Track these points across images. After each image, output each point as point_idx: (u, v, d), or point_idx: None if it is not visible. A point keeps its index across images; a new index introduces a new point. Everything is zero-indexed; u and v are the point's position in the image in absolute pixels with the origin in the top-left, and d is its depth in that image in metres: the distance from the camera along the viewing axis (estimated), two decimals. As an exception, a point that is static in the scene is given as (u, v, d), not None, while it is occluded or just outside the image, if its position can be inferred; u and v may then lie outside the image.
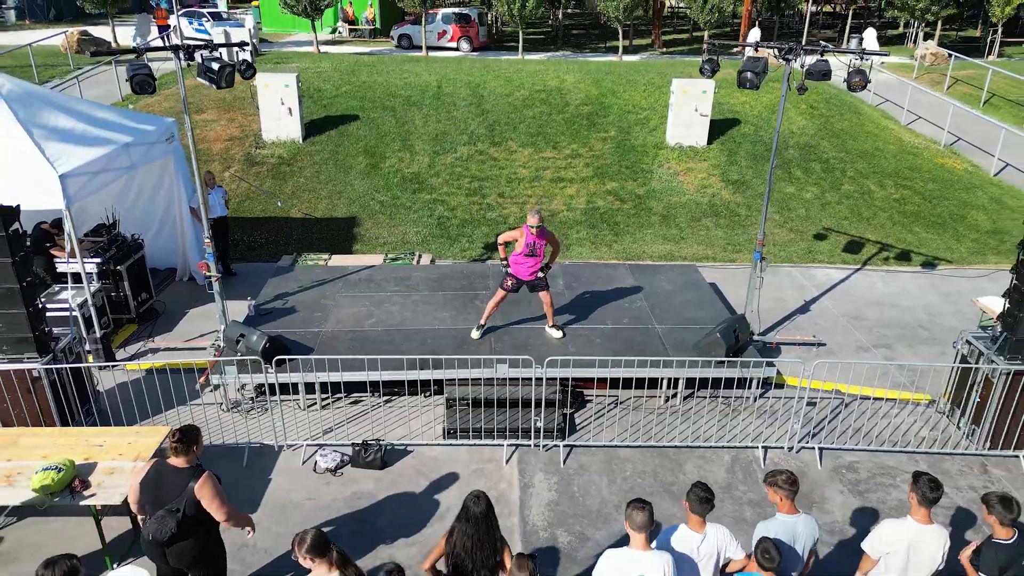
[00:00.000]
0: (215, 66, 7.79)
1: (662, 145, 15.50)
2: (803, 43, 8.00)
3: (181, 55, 7.64)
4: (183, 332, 9.57)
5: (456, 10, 31.16)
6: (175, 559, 4.81)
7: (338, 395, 8.15)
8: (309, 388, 8.02)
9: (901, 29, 34.88)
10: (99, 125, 9.23)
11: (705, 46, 8.54)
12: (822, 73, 7.56)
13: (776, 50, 8.02)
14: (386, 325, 8.66)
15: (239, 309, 9.06)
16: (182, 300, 10.42)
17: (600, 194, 14.08)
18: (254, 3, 41.62)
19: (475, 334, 8.34)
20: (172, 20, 27.76)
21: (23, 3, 34.74)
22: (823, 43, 8.15)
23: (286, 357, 7.59)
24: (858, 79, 7.52)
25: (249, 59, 8.13)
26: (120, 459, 5.97)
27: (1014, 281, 7.06)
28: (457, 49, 30.05)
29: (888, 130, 17.24)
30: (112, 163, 8.80)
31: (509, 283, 8.02)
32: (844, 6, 34.55)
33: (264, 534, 6.20)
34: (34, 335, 6.83)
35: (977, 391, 7.44)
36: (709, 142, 15.44)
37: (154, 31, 28.71)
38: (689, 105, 15.07)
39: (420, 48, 28.08)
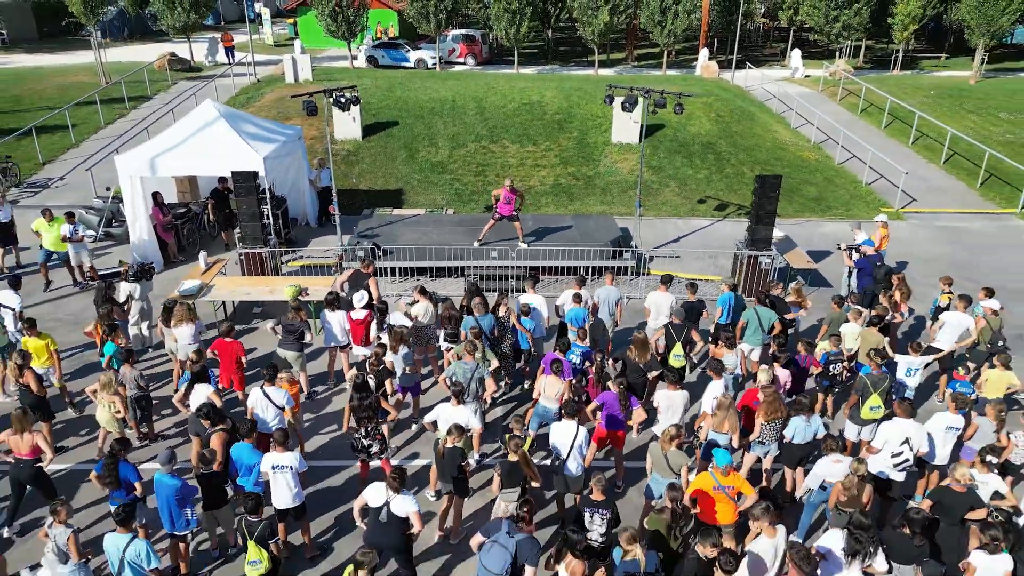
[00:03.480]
0: (343, 99, 14.80)
1: (608, 143, 22.49)
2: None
3: (324, 95, 14.71)
4: (312, 250, 16.64)
5: (463, 31, 38.18)
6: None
7: (409, 277, 15.20)
8: (393, 272, 15.08)
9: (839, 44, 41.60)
10: (267, 131, 16.30)
11: (607, 86, 15.43)
12: (660, 104, 14.56)
13: (644, 90, 14.99)
14: (431, 243, 15.70)
15: (346, 237, 16.09)
16: (305, 234, 17.54)
17: (563, 175, 21.09)
18: (290, 21, 48.68)
19: (475, 244, 15.31)
20: (364, 52, 36.43)
21: (103, 24, 41.76)
22: (665, 90, 15.06)
23: (388, 248, 14.67)
24: (678, 108, 14.51)
25: (358, 95, 15.10)
26: (322, 288, 13.01)
27: (749, 214, 14.05)
28: (464, 63, 37.05)
29: (772, 132, 24.24)
30: (280, 152, 15.86)
31: (496, 216, 14.98)
32: (788, 23, 41.40)
33: (381, 328, 13.25)
34: (263, 235, 13.89)
35: (737, 268, 14.49)
36: (640, 140, 22.38)
37: (221, 51, 35.86)
38: (627, 115, 22.00)
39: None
